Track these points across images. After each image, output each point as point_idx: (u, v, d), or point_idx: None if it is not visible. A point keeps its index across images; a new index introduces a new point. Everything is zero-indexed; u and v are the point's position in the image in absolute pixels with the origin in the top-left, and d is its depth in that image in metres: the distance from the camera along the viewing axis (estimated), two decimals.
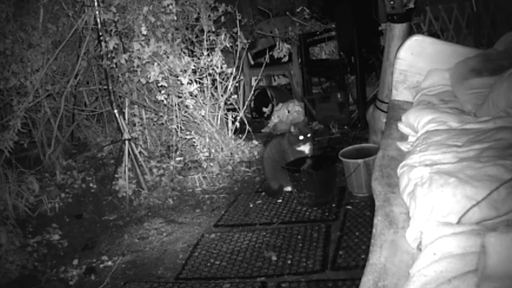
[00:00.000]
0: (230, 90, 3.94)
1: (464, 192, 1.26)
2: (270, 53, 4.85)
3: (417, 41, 2.66)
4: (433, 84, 2.46)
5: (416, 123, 2.04)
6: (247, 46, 4.09)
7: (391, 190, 1.64)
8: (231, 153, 3.91)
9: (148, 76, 3.47)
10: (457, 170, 1.38)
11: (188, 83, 3.55)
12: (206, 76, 3.78)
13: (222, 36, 3.75)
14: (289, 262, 2.37)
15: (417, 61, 2.65)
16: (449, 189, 1.28)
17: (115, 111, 3.43)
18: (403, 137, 2.14)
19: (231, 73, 3.88)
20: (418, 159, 1.59)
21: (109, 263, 2.65)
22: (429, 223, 1.23)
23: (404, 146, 1.99)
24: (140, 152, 3.65)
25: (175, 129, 3.86)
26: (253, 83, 4.96)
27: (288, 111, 4.70)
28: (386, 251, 1.27)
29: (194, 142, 3.79)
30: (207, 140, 3.83)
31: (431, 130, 1.85)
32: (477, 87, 2.16)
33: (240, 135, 4.09)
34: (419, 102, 2.31)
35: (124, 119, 3.59)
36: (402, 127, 2.19)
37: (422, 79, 2.61)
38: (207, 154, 3.74)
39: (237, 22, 3.92)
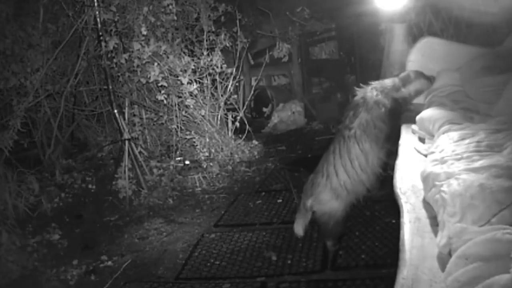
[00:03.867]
0: (230, 90, 3.95)
1: (494, 197, 1.23)
2: (270, 53, 4.85)
3: (427, 42, 2.63)
4: (444, 84, 2.41)
5: (431, 126, 1.99)
6: (247, 46, 4.09)
7: (414, 194, 1.60)
8: (231, 153, 3.91)
9: (148, 76, 3.47)
10: (485, 175, 1.34)
11: (188, 83, 3.56)
12: (206, 76, 3.79)
13: (222, 36, 3.76)
14: (289, 262, 2.36)
15: (428, 62, 2.61)
16: (479, 194, 1.25)
17: (115, 111, 3.43)
18: (420, 140, 2.10)
19: (231, 73, 3.89)
20: (441, 163, 1.54)
21: (109, 263, 2.65)
22: (460, 228, 1.20)
23: (422, 149, 1.94)
24: (140, 152, 3.65)
25: (175, 129, 3.86)
26: (253, 83, 4.97)
27: (293, 112, 4.70)
28: (415, 257, 1.24)
29: (194, 142, 3.79)
30: (207, 140, 3.83)
31: (448, 133, 1.80)
32: (489, 85, 2.11)
33: (240, 135, 4.09)
34: (431, 104, 2.26)
35: (124, 119, 3.59)
36: (417, 130, 2.16)
37: None
38: (207, 154, 3.74)
39: (237, 22, 3.93)
